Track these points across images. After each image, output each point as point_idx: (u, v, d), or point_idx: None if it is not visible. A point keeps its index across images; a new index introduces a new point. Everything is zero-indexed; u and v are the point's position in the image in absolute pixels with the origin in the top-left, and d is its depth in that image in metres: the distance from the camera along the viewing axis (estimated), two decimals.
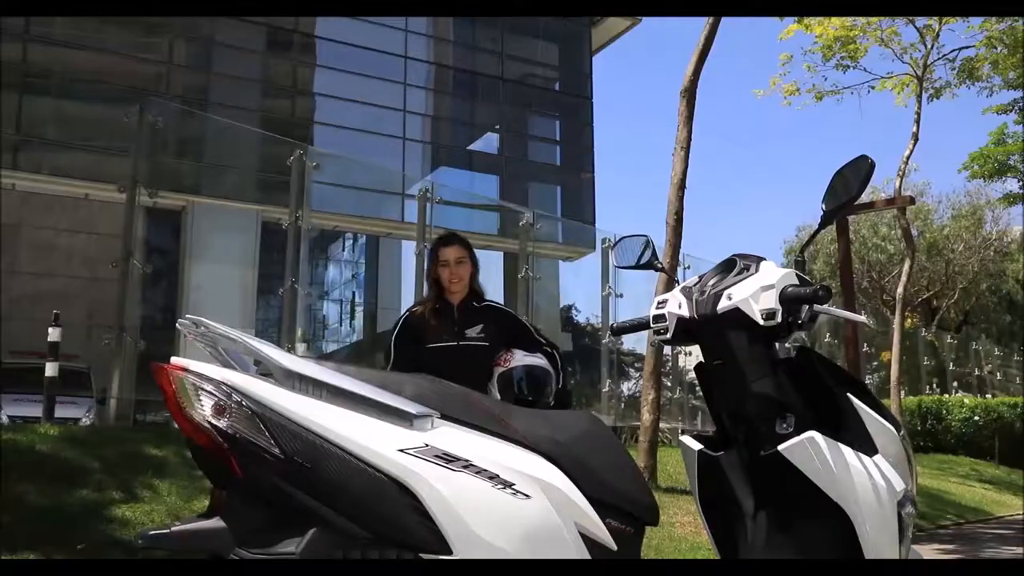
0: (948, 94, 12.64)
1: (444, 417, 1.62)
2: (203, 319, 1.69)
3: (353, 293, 27.15)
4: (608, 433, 1.91)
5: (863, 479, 1.88)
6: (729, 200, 58.45)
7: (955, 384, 18.99)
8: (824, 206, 2.08)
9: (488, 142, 20.71)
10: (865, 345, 15.30)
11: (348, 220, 16.75)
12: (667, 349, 9.00)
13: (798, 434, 1.88)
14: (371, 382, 1.62)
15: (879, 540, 1.88)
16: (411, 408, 1.58)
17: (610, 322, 10.69)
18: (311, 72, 18.38)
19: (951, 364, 19.47)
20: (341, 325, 27.93)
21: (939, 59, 12.34)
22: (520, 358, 3.08)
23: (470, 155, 20.04)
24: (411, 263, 9.44)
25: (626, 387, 17.30)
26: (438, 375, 2.76)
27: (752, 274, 1.99)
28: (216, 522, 1.52)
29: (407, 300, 11.85)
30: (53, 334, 6.81)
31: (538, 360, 3.09)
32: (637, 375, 17.35)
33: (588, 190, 20.60)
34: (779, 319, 1.93)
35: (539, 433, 1.71)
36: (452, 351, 3.14)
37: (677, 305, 2.05)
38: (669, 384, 11.20)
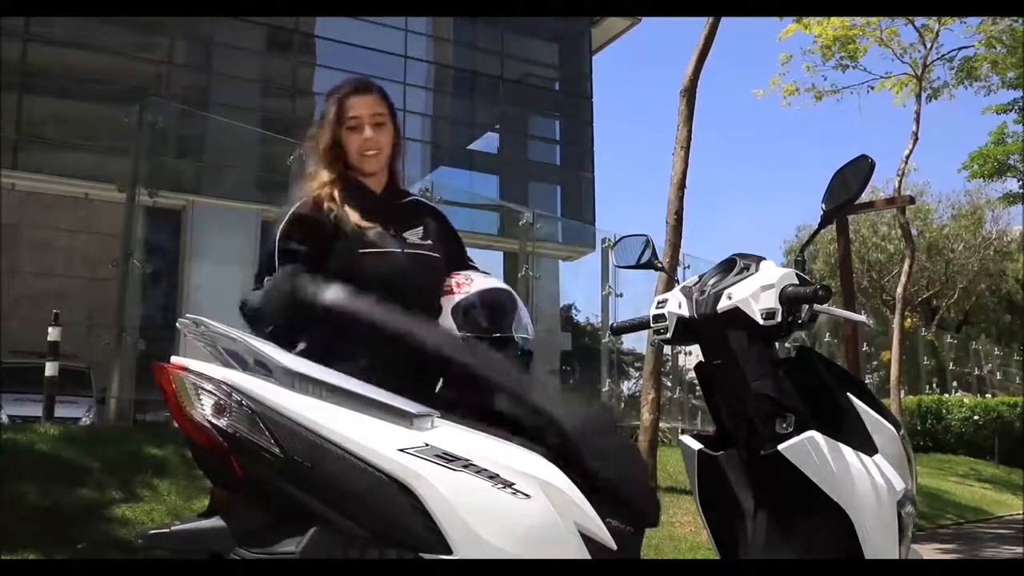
0: (946, 94, 12.67)
1: (443, 417, 1.62)
2: (203, 318, 1.70)
3: None
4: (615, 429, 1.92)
5: (863, 479, 1.88)
6: (729, 200, 58.44)
7: (955, 384, 19.01)
8: (824, 206, 2.08)
9: (488, 142, 20.71)
10: (865, 345, 15.30)
11: None
12: (667, 349, 9.01)
13: (798, 434, 1.88)
14: (371, 381, 1.62)
15: (879, 540, 1.88)
16: (411, 407, 1.58)
17: (610, 322, 10.70)
18: (311, 72, 18.38)
19: (951, 364, 19.50)
20: None
21: (938, 59, 12.36)
22: (481, 282, 2.15)
23: (470, 155, 20.03)
24: None
25: (626, 387, 17.29)
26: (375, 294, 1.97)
27: (752, 274, 1.99)
28: (216, 521, 1.52)
29: None
30: (53, 334, 6.81)
31: (498, 283, 2.20)
32: (637, 375, 17.36)
33: (588, 190, 20.59)
34: (779, 319, 1.94)
35: (550, 413, 1.71)
36: (393, 262, 2.05)
37: (677, 305, 2.05)
38: (669, 384, 11.21)
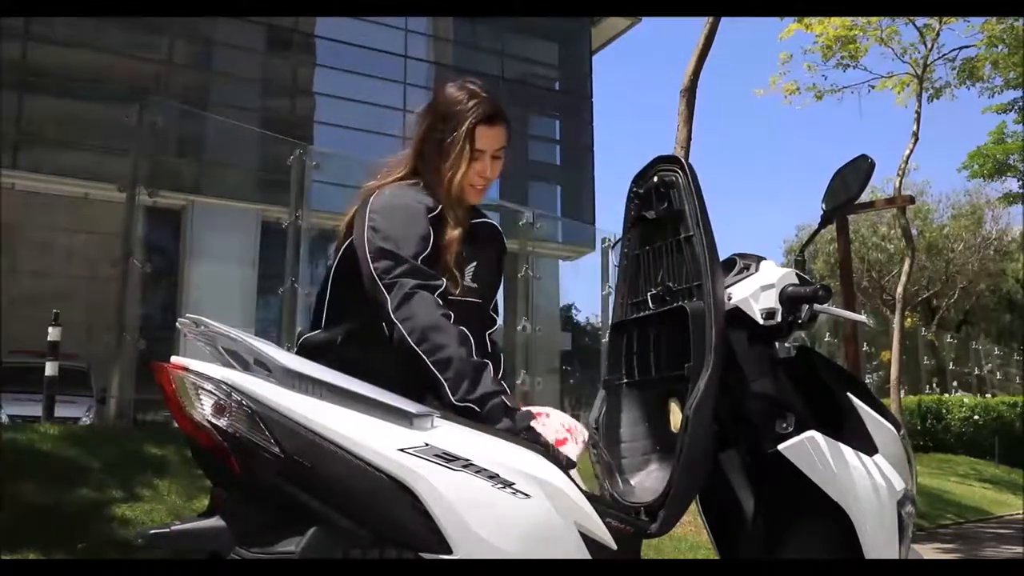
0: (948, 94, 12.67)
1: (443, 417, 1.62)
2: (203, 318, 1.69)
3: None
4: None
5: (863, 479, 1.88)
6: (729, 200, 58.41)
7: (955, 384, 19.01)
8: (824, 206, 2.09)
9: None
10: (865, 345, 15.30)
11: None
12: None
13: (798, 434, 1.87)
14: (371, 381, 1.62)
15: (879, 540, 1.88)
16: (411, 407, 1.58)
17: (610, 322, 10.69)
18: (311, 72, 18.38)
19: (951, 364, 19.50)
20: None
21: (939, 59, 12.36)
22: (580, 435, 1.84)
23: None
24: None
25: None
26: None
27: (752, 273, 1.99)
28: (216, 521, 1.52)
29: None
30: (53, 333, 6.82)
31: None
32: None
33: (588, 190, 20.60)
34: (779, 319, 1.94)
35: None
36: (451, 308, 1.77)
37: None
38: None
